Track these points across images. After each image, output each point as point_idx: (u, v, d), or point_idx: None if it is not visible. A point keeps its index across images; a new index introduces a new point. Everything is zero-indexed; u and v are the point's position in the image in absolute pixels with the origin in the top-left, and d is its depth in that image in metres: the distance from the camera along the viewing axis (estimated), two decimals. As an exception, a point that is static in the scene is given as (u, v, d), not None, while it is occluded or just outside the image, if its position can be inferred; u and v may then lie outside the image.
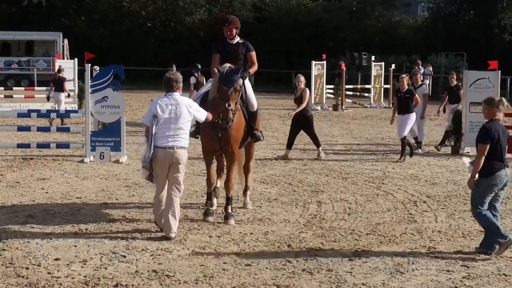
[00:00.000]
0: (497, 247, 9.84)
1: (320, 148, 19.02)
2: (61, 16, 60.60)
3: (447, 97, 21.75)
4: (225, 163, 12.34)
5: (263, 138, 12.50)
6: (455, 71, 24.76)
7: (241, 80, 11.32)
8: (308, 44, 55.30)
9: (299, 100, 18.83)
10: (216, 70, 11.39)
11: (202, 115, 10.94)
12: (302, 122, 18.83)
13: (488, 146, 9.84)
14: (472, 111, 20.30)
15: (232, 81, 11.04)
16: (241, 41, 12.23)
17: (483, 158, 9.80)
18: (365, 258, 9.63)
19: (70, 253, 9.65)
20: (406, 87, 18.90)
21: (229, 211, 11.69)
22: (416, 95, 19.07)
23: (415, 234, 11.00)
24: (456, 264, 9.43)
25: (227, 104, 10.95)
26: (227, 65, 11.44)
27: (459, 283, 8.69)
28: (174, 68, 26.31)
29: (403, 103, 18.88)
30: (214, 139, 11.49)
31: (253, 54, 12.21)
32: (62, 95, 27.07)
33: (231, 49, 12.08)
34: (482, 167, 9.78)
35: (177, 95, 10.67)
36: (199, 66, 25.77)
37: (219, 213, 12.10)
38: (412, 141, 19.88)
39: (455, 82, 21.80)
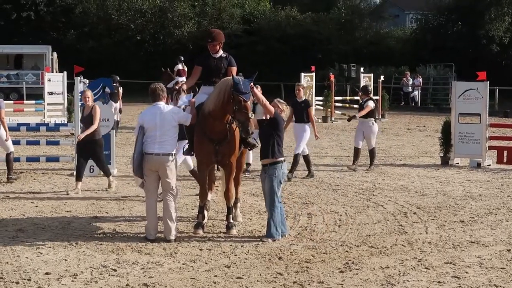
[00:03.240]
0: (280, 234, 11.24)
1: (111, 177, 15.85)
2: (50, 30, 60.48)
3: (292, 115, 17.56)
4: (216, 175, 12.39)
5: (258, 144, 12.35)
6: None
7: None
8: (297, 56, 55.33)
9: (87, 121, 15.59)
10: (230, 79, 11.20)
11: (187, 119, 11.49)
12: (90, 148, 15.47)
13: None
14: (461, 122, 20.37)
15: (248, 91, 11.03)
16: (224, 55, 12.27)
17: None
18: (356, 270, 9.63)
19: (61, 267, 9.62)
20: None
21: (231, 221, 11.82)
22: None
23: (405, 245, 11.01)
24: (447, 276, 9.43)
25: (250, 114, 10.94)
26: (240, 77, 11.44)
27: (450, 294, 8.72)
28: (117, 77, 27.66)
29: None
30: (211, 152, 11.49)
31: (234, 69, 12.17)
32: None
33: (214, 63, 12.15)
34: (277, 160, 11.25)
35: (161, 103, 11.30)
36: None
37: (209, 226, 12.10)
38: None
39: (303, 97, 18.21)
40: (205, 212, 12.11)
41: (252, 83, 11.28)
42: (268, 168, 11.28)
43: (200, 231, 11.62)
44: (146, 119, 11.22)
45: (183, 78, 31.36)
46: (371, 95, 19.73)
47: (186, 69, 29.82)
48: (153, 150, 11.06)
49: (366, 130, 19.05)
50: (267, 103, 11.32)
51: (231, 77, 11.26)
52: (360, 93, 19.86)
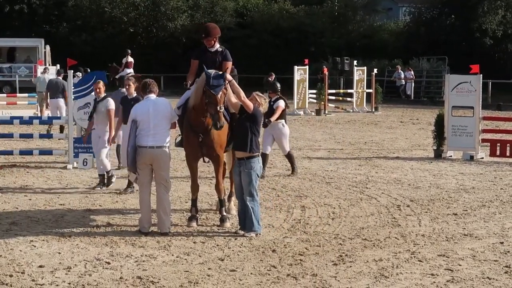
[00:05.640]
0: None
1: None
2: (43, 23, 60.41)
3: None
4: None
5: None
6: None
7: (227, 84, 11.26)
8: (290, 49, 55.37)
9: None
10: (203, 74, 11.27)
11: (175, 115, 11.61)
12: None
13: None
14: (454, 115, 20.39)
15: (219, 84, 10.99)
16: (220, 49, 12.17)
17: None
18: (349, 263, 9.65)
19: (54, 260, 9.62)
20: None
21: (224, 213, 11.84)
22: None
23: (399, 238, 11.03)
24: (440, 268, 9.45)
25: (218, 107, 10.89)
26: (213, 70, 11.40)
27: (444, 286, 8.72)
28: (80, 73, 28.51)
29: None
30: (196, 145, 11.48)
31: (228, 64, 11.97)
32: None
33: (210, 57, 12.06)
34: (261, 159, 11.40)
35: (153, 96, 11.42)
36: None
37: (203, 219, 12.10)
38: None
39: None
40: (198, 205, 12.10)
41: (230, 77, 11.25)
42: (244, 162, 11.18)
43: (194, 224, 11.62)
44: (138, 112, 11.24)
45: (131, 70, 33.19)
46: (279, 93, 16.80)
47: (133, 61, 34.29)
48: (147, 143, 11.06)
49: (276, 133, 16.75)
50: (245, 99, 11.27)
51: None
52: (269, 91, 17.05)
